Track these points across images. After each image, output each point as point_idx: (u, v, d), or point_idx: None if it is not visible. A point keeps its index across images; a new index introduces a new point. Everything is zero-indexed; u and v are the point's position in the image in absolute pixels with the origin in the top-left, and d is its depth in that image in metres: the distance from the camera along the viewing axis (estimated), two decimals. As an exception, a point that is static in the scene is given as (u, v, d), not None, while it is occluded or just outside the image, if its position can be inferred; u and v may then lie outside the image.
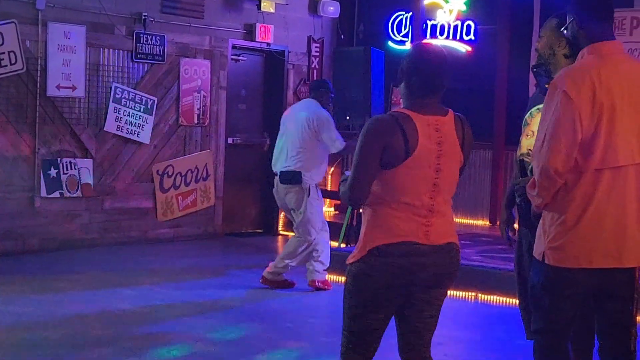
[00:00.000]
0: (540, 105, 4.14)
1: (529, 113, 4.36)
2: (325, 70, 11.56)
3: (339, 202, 11.24)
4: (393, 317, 3.69)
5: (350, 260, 3.59)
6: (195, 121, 10.21)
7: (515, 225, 4.58)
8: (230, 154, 10.63)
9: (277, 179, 7.63)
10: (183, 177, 10.13)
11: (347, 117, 8.99)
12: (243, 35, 10.71)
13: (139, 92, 9.62)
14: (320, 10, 11.33)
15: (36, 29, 8.74)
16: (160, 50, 9.76)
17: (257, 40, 10.73)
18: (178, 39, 9.99)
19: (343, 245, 8.76)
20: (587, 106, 3.52)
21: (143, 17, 9.58)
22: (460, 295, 7.56)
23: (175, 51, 9.96)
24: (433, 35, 10.96)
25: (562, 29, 3.89)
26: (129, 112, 9.52)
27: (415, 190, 3.50)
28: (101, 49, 9.30)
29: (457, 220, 10.93)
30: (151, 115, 9.74)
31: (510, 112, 10.52)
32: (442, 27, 10.98)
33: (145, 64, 9.70)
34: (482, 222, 10.83)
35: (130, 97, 9.53)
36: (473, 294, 7.53)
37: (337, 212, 11.49)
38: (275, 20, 10.95)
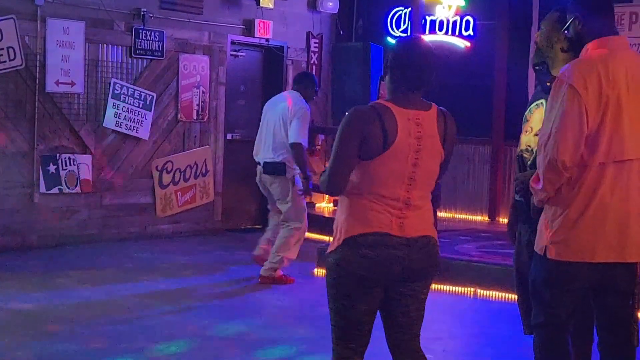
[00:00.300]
0: (539, 102, 4.16)
1: (528, 109, 4.36)
2: (324, 66, 11.56)
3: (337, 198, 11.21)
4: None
5: (328, 250, 3.60)
6: (195, 117, 10.21)
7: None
8: (229, 150, 10.63)
9: (259, 168, 7.65)
10: (182, 173, 10.13)
11: (346, 113, 8.98)
12: (242, 31, 10.70)
13: (137, 88, 9.62)
14: (319, 5, 11.33)
15: (35, 24, 8.73)
16: (159, 46, 9.76)
17: (256, 36, 10.72)
18: (177, 34, 9.99)
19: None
20: (594, 100, 3.53)
21: (142, 13, 9.57)
22: (459, 291, 7.56)
23: (174, 47, 9.96)
24: (432, 31, 10.96)
25: (563, 29, 3.89)
26: (128, 108, 9.52)
27: (392, 182, 3.50)
28: (100, 44, 9.29)
29: (456, 215, 10.98)
30: (150, 111, 9.73)
31: (510, 107, 10.52)
32: (441, 22, 10.98)
33: (144, 60, 9.70)
34: (481, 218, 10.83)
35: (129, 93, 9.53)
36: (472, 289, 7.53)
37: (336, 207, 11.47)
38: (274, 16, 10.94)
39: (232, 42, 10.63)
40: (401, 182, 3.51)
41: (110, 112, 9.36)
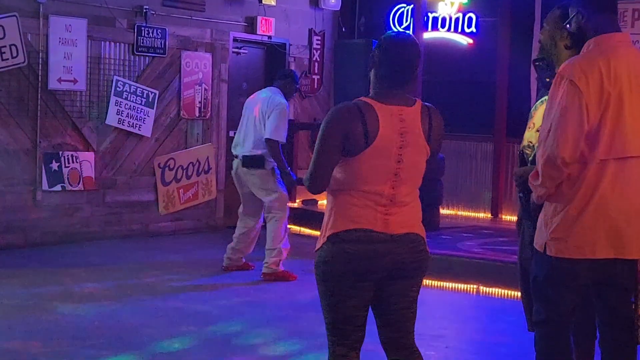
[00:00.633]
0: (544, 98, 4.14)
1: (534, 106, 4.36)
2: (326, 63, 11.56)
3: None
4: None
5: (315, 248, 3.61)
6: (197, 114, 10.21)
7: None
8: (231, 147, 10.61)
9: (237, 162, 7.74)
10: (184, 170, 10.14)
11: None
12: (244, 28, 10.70)
13: (140, 85, 9.62)
14: (321, 3, 11.33)
15: (37, 22, 8.73)
16: (161, 44, 9.76)
17: (258, 33, 10.72)
18: (179, 31, 9.99)
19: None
20: (595, 96, 3.52)
21: (144, 10, 9.57)
22: (462, 288, 7.56)
23: (177, 44, 9.96)
24: (434, 28, 10.96)
25: (566, 23, 3.87)
26: (130, 106, 9.52)
27: (376, 179, 3.49)
28: (102, 42, 9.30)
29: (458, 212, 10.99)
30: (152, 108, 9.73)
31: (512, 104, 10.53)
32: (444, 19, 10.98)
33: (147, 57, 9.69)
34: (484, 215, 10.83)
35: (131, 91, 9.53)
36: (474, 286, 7.53)
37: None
38: (277, 13, 10.94)
39: (235, 40, 10.62)
40: (386, 178, 3.50)
41: (112, 109, 9.36)
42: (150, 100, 9.70)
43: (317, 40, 11.48)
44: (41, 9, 8.74)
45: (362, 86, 8.97)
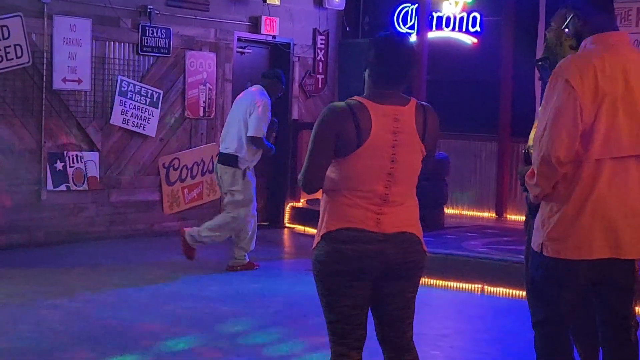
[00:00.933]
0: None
1: (541, 106, 4.35)
2: (330, 63, 11.56)
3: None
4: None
5: (312, 247, 3.63)
6: (201, 114, 10.22)
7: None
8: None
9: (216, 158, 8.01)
10: (189, 170, 10.15)
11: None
12: (248, 27, 10.70)
13: (144, 85, 9.63)
14: (325, 2, 11.32)
15: (42, 22, 8.74)
16: (165, 43, 9.77)
17: (262, 32, 10.73)
18: (183, 31, 9.99)
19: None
20: (589, 95, 3.49)
21: (148, 10, 9.58)
22: (466, 288, 7.55)
23: (181, 44, 9.97)
24: (439, 27, 10.96)
25: (563, 27, 3.86)
26: (134, 105, 9.53)
27: (369, 179, 3.49)
28: (107, 42, 9.31)
29: (463, 212, 10.98)
30: (157, 108, 9.74)
31: (516, 103, 10.51)
32: (448, 18, 10.98)
33: (151, 57, 9.71)
34: (489, 214, 10.83)
35: (136, 90, 9.54)
36: (479, 286, 7.53)
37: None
38: (281, 13, 10.94)
39: (239, 39, 10.63)
40: (379, 178, 3.49)
41: (117, 109, 9.37)
42: (154, 100, 9.71)
43: (321, 39, 11.49)
44: (46, 9, 8.75)
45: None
